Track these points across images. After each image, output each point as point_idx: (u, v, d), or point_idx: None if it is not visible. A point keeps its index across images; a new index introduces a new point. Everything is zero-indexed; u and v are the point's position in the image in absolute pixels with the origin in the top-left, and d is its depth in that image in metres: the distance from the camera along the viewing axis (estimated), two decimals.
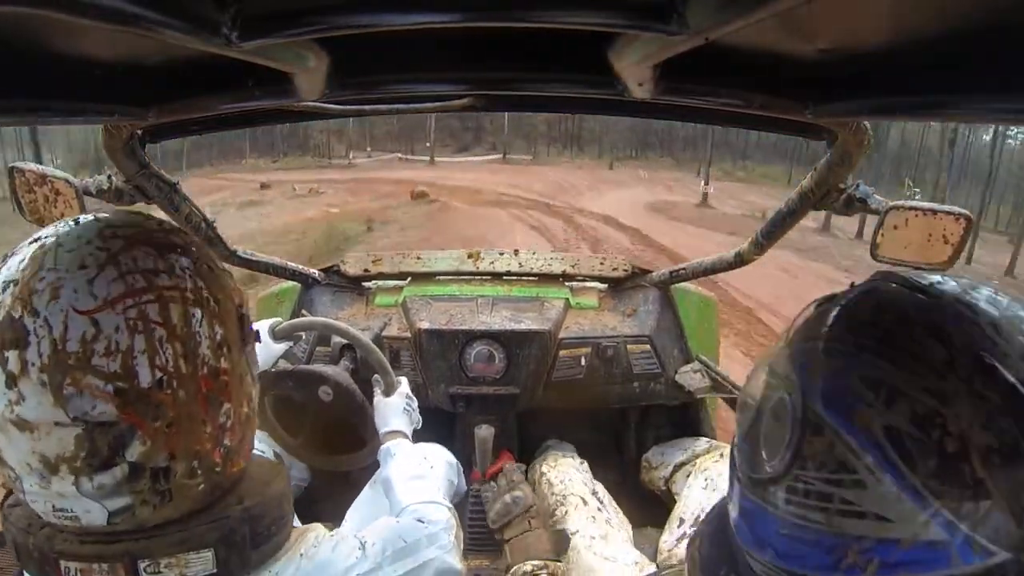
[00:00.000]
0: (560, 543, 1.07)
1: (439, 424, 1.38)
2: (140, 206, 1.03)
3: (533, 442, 1.58)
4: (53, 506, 0.47)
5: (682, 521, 1.10)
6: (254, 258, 1.43)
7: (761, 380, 0.43)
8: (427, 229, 10.06)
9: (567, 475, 1.31)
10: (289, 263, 1.56)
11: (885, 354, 0.37)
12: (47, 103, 0.50)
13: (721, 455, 1.26)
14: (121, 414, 0.44)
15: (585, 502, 1.22)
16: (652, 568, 1.01)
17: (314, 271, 1.58)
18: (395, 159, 27.36)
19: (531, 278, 1.65)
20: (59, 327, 0.43)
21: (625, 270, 1.61)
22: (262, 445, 1.15)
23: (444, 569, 0.69)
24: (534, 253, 1.69)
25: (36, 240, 0.47)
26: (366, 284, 1.63)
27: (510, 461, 1.37)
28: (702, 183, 16.37)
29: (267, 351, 1.08)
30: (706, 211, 14.62)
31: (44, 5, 0.28)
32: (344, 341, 1.21)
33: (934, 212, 0.97)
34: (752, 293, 6.19)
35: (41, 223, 0.99)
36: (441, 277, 1.64)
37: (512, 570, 1.05)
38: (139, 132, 0.90)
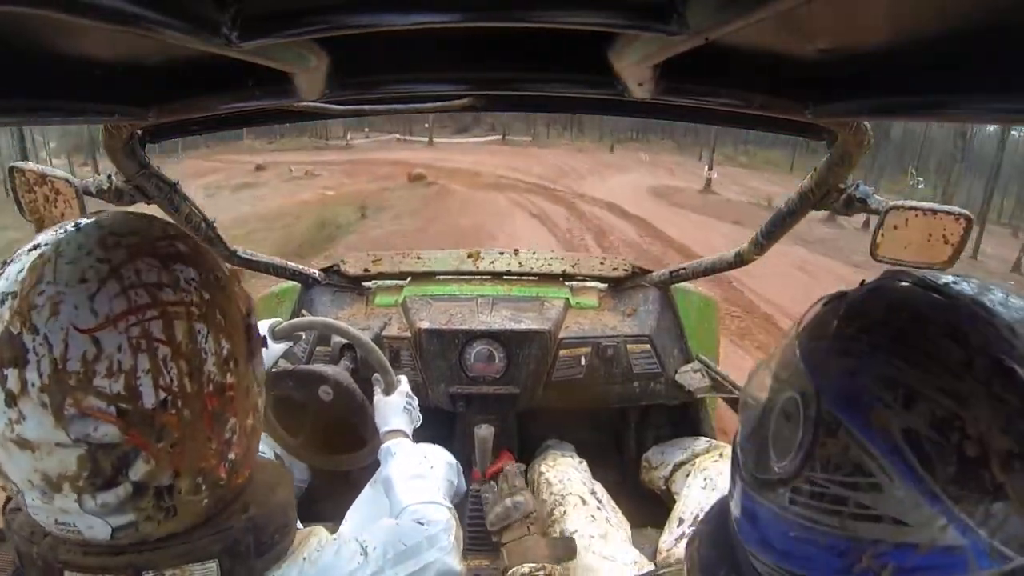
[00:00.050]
0: (564, 550, 1.07)
1: (439, 424, 1.38)
2: (140, 206, 1.03)
3: (533, 442, 1.58)
4: (56, 519, 0.46)
5: (682, 521, 1.10)
6: (254, 258, 1.43)
7: (767, 378, 0.42)
8: (422, 217, 9.71)
9: (566, 475, 1.31)
10: (289, 263, 1.56)
11: (901, 353, 0.36)
12: (47, 103, 0.50)
13: (721, 455, 1.26)
14: (124, 435, 0.43)
15: (584, 501, 1.22)
16: (651, 568, 1.01)
17: (314, 271, 1.58)
18: (393, 140, 27.14)
19: (531, 278, 1.65)
20: (59, 346, 0.42)
21: (625, 270, 1.61)
22: (262, 445, 1.15)
23: (445, 571, 0.69)
24: (534, 253, 1.69)
25: (35, 248, 0.45)
26: (366, 284, 1.63)
27: (510, 461, 1.37)
28: (706, 168, 16.05)
29: (267, 351, 1.08)
30: (710, 197, 14.36)
31: (44, 5, 0.28)
32: (344, 341, 1.20)
33: (934, 212, 0.97)
34: (770, 295, 5.88)
35: (41, 223, 0.99)
36: (441, 277, 1.64)
37: (509, 572, 1.05)
38: (139, 132, 0.90)
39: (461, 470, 1.05)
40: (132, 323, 0.43)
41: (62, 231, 0.46)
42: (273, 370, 1.12)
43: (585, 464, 1.40)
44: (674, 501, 1.22)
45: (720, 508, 0.50)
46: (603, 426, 1.75)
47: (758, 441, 0.42)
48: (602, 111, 0.95)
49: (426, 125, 26.90)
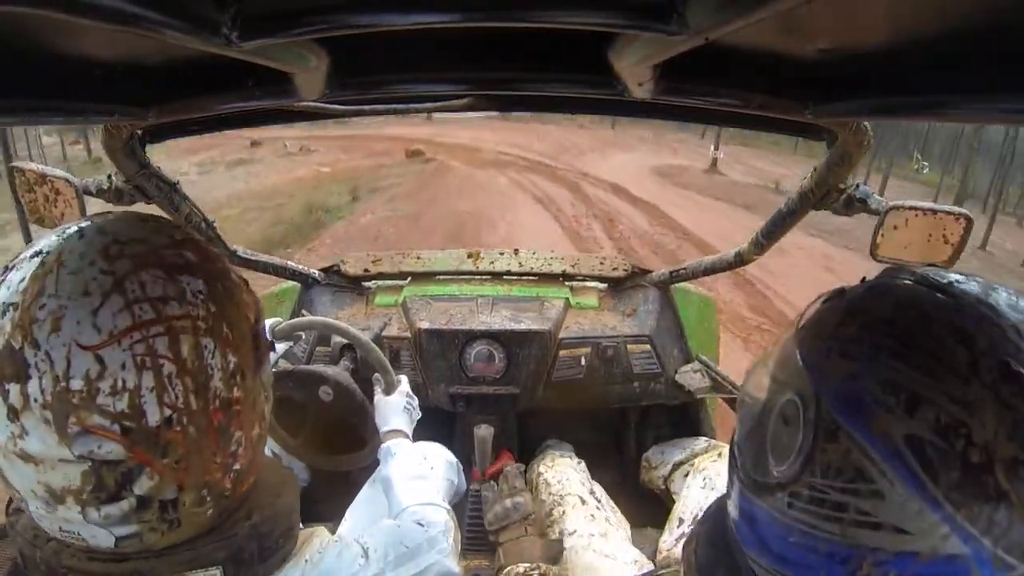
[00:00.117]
0: (553, 550, 1.08)
1: (439, 424, 1.39)
2: (140, 206, 1.03)
3: (533, 442, 1.58)
4: (60, 527, 0.46)
5: (681, 521, 1.10)
6: (254, 258, 1.43)
7: (766, 378, 0.41)
8: (417, 201, 9.20)
9: (564, 475, 1.31)
10: (289, 263, 1.57)
11: (904, 356, 0.35)
12: (47, 103, 0.50)
13: (720, 455, 1.25)
14: (128, 453, 0.43)
15: (583, 501, 1.22)
16: (651, 567, 1.01)
17: (314, 271, 1.59)
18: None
19: (531, 278, 1.65)
20: (61, 363, 0.40)
21: (625, 270, 1.62)
22: None
23: (444, 573, 0.70)
24: (534, 253, 1.70)
25: (37, 254, 0.44)
26: (366, 284, 1.63)
27: (510, 461, 1.37)
28: (712, 148, 15.46)
29: None
30: (717, 178, 13.81)
31: (44, 5, 0.28)
32: (344, 341, 1.21)
33: (934, 212, 0.97)
34: (800, 302, 5.38)
35: (41, 223, 0.99)
36: (441, 277, 1.65)
37: (505, 571, 1.06)
38: (139, 132, 0.90)
39: (461, 469, 1.05)
40: (136, 340, 0.42)
41: (64, 235, 0.45)
42: (273, 370, 1.12)
43: (584, 464, 1.40)
44: (673, 501, 1.22)
45: (717, 508, 0.49)
46: (603, 426, 1.75)
47: (756, 442, 0.41)
48: (602, 111, 0.95)
49: None
